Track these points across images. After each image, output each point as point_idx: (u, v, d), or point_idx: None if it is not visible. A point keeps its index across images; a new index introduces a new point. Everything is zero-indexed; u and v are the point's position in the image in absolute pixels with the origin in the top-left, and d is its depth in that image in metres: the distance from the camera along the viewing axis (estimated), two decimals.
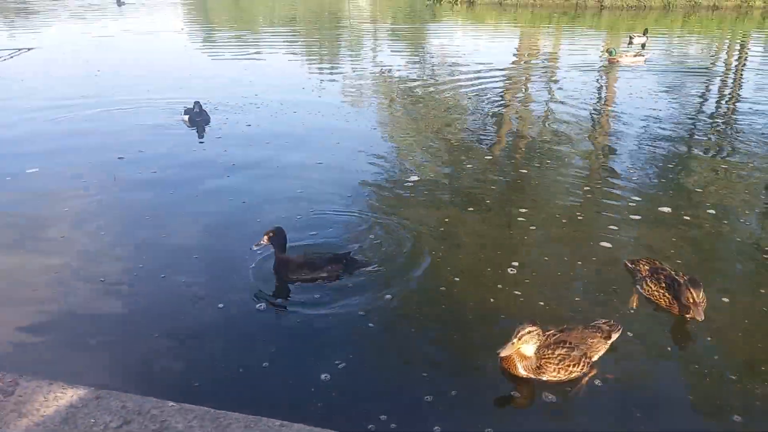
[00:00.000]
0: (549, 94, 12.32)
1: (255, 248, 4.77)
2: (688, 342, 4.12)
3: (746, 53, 18.39)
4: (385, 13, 38.17)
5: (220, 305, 4.43)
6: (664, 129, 9.29)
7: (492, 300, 4.49)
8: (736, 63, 16.86)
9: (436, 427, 3.23)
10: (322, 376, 3.65)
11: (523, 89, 13.04)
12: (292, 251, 4.89)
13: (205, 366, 3.79)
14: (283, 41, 21.01)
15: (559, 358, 3.67)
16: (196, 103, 9.50)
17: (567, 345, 3.72)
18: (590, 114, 10.47)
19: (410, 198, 6.58)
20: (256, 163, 7.75)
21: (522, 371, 3.66)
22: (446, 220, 5.95)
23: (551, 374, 3.65)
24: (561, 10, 33.15)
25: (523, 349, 3.63)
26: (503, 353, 3.62)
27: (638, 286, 4.52)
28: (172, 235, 5.65)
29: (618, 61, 15.28)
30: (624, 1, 31.85)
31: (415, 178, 7.18)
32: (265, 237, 4.72)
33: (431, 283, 4.76)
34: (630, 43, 19.22)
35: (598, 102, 11.57)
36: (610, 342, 3.85)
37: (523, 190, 6.90)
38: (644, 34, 19.38)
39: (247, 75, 14.14)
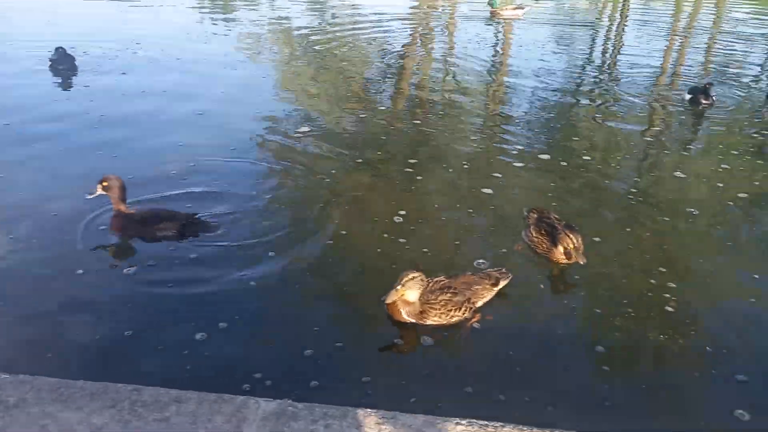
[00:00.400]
0: (447, 45, 12.32)
1: (89, 197, 4.40)
2: (562, 283, 4.29)
3: (628, 6, 19.39)
4: None
5: (80, 271, 4.01)
6: (553, 81, 9.57)
7: (378, 250, 4.42)
8: (619, 17, 17.81)
9: (314, 382, 3.14)
10: (198, 336, 3.43)
11: (422, 40, 12.94)
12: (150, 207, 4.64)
13: (57, 337, 3.40)
14: None
15: (441, 303, 3.69)
16: (58, 49, 8.48)
17: (451, 290, 3.74)
18: (486, 66, 10.57)
19: (299, 148, 6.32)
20: (128, 115, 7.08)
21: (405, 316, 3.65)
22: (333, 171, 5.78)
23: (433, 318, 3.67)
24: None
25: (407, 295, 3.61)
26: (387, 299, 3.58)
27: (523, 233, 4.62)
28: (24, 194, 5.02)
29: (499, 13, 15.42)
30: None
31: (306, 128, 6.91)
32: (99, 186, 4.36)
33: (316, 236, 4.60)
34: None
35: (494, 54, 11.71)
36: (496, 289, 3.90)
37: (415, 140, 6.85)
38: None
39: (126, 19, 12.87)
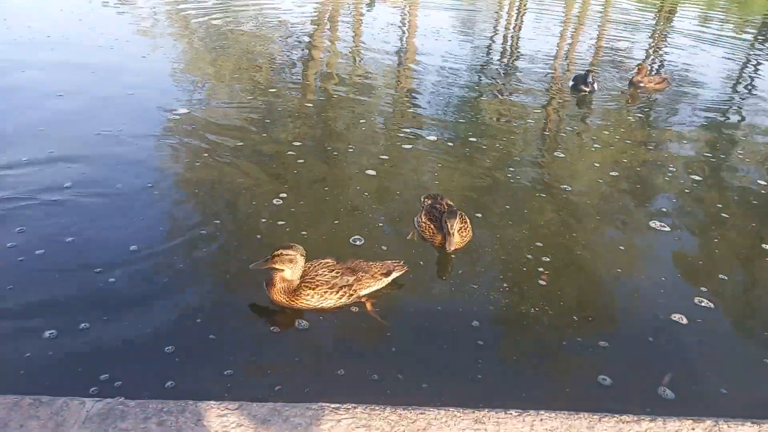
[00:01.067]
0: (354, 32, 12.10)
1: None
2: (445, 263, 4.25)
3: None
4: None
5: None
6: (458, 69, 9.61)
7: (258, 236, 4.21)
8: (518, 4, 18.38)
9: (170, 383, 2.88)
10: (47, 334, 3.09)
11: (329, 27, 12.66)
12: None
13: None
14: None
15: (317, 283, 3.55)
16: None
17: (332, 273, 3.61)
18: (394, 53, 10.47)
19: (184, 129, 5.96)
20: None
21: (278, 295, 3.51)
22: (217, 156, 5.47)
23: (305, 299, 3.52)
24: None
25: (285, 272, 3.48)
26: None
27: (415, 219, 4.54)
28: None
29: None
30: None
31: (184, 111, 6.51)
32: None
33: (190, 222, 4.32)
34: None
35: (400, 41, 11.62)
36: (387, 279, 3.77)
37: (307, 125, 6.62)
38: None
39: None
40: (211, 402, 2.33)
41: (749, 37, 15.59)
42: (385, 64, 9.60)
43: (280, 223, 4.37)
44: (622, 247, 4.50)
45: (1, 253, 3.80)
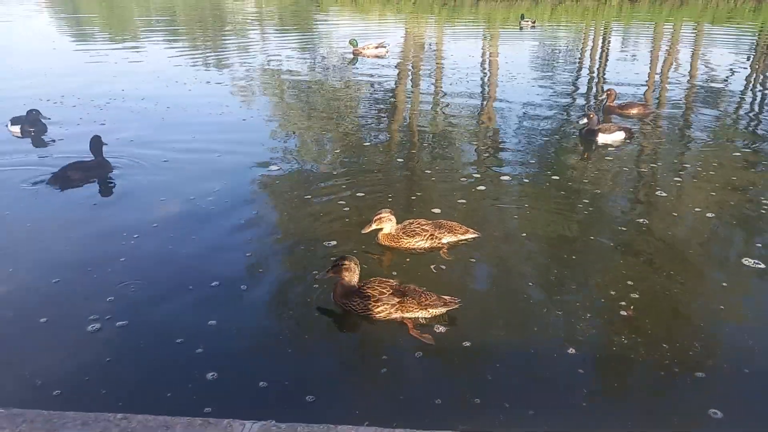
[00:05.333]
0: (435, 85, 12.61)
1: None
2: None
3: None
4: (270, 5, 37.39)
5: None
6: (539, 116, 9.88)
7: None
8: (600, 53, 18.36)
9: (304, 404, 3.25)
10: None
11: (412, 80, 13.34)
12: None
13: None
14: (163, 38, 19.96)
15: (366, 295, 4.02)
16: (31, 111, 8.23)
17: (384, 289, 4.03)
18: (476, 96, 10.89)
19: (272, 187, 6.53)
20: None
21: (337, 298, 4.14)
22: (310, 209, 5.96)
23: (353, 303, 4.07)
24: (441, 1, 34.27)
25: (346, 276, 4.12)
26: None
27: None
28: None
29: (361, 52, 15.25)
30: None
31: (278, 168, 7.12)
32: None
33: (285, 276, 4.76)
34: (520, 26, 20.69)
35: (482, 91, 12.01)
36: (433, 311, 4.00)
37: (392, 179, 7.04)
38: (528, 20, 20.95)
39: (117, 73, 13.28)
40: (355, 426, 2.63)
41: None
42: (467, 110, 9.99)
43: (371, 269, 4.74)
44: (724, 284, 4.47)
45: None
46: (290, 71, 13.77)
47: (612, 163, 7.27)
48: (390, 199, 6.13)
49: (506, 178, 6.76)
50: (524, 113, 9.71)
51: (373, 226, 4.92)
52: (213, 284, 4.40)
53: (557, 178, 6.73)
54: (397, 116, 9.89)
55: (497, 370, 3.56)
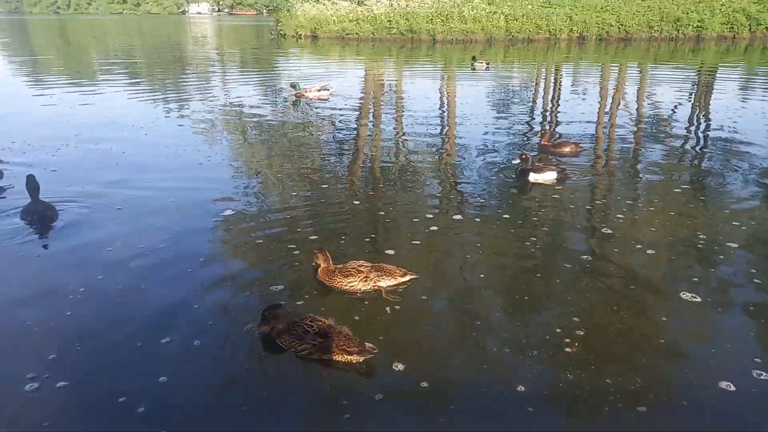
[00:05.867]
0: (396, 124, 12.87)
1: None
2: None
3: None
4: (231, 45, 37.79)
5: None
6: (495, 153, 10.20)
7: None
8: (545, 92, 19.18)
9: None
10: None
11: (373, 119, 13.61)
12: None
13: None
14: (121, 80, 19.87)
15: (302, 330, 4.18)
16: None
17: (316, 330, 4.13)
18: (434, 142, 11.16)
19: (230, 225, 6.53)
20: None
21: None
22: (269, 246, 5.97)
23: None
24: (399, 44, 35.30)
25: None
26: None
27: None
28: None
29: (303, 95, 15.32)
30: (453, 36, 34.78)
31: (236, 206, 7.13)
32: None
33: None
34: (473, 67, 21.36)
35: (441, 130, 12.32)
36: (341, 357, 4.07)
37: (352, 216, 7.13)
38: (483, 62, 21.67)
39: (72, 116, 13.12)
40: None
41: None
42: (426, 148, 10.23)
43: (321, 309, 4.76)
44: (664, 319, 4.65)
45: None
46: (250, 112, 13.89)
47: (557, 202, 7.50)
48: (343, 241, 6.19)
49: (459, 217, 6.92)
50: (481, 151, 10.00)
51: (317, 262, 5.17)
52: (163, 340, 4.31)
53: (507, 216, 6.92)
54: (358, 155, 10.05)
55: (452, 411, 3.60)
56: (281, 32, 43.89)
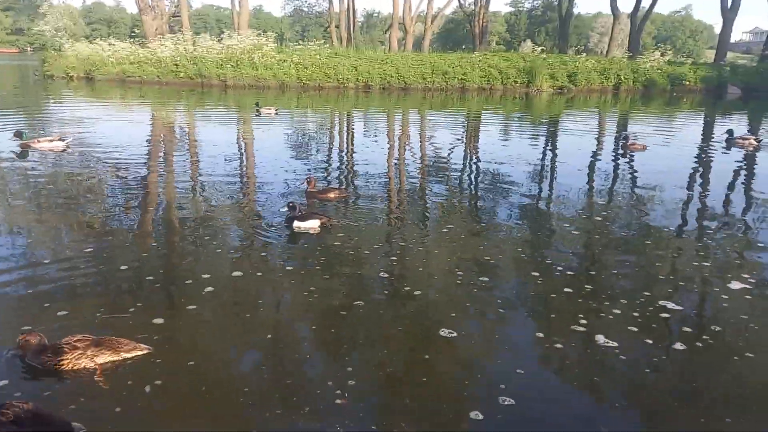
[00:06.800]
0: (191, 169, 12.20)
1: None
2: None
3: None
4: None
5: None
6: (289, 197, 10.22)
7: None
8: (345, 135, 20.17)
9: None
10: None
11: (164, 165, 12.68)
12: None
13: None
14: None
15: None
16: None
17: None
18: (234, 176, 10.79)
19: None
20: None
21: None
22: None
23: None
24: (188, 87, 34.05)
25: None
26: None
27: None
28: None
29: (30, 145, 13.62)
30: (245, 81, 34.76)
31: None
32: None
33: None
34: (258, 113, 21.13)
35: (240, 173, 11.98)
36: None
37: (140, 268, 6.53)
38: (271, 108, 21.61)
39: None
40: None
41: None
42: (224, 193, 9.87)
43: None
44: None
45: None
46: (15, 160, 11.95)
47: (333, 249, 7.34)
48: (101, 312, 5.35)
49: (238, 273, 6.36)
50: (274, 195, 9.88)
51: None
52: None
53: (291, 268, 6.61)
54: (149, 204, 9.27)
55: None
56: (47, 72, 39.12)
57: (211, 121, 20.93)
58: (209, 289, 5.94)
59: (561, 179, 12.09)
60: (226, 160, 12.97)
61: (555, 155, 15.35)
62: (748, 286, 6.24)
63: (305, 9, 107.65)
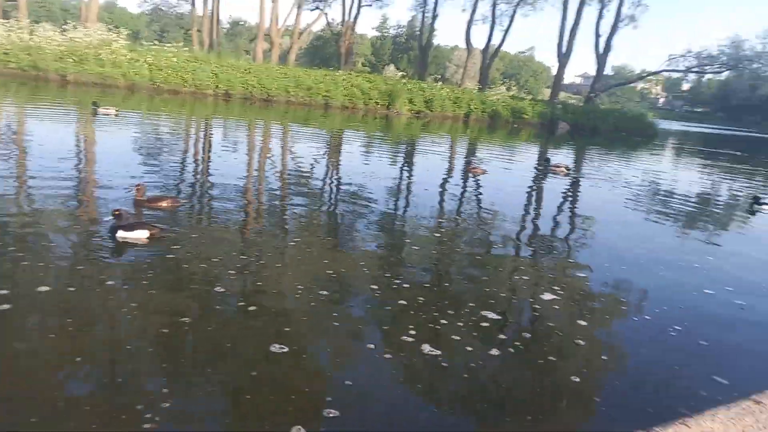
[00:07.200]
0: (16, 169, 10.81)
1: None
2: None
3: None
4: None
5: None
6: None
7: None
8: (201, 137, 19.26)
9: None
10: None
11: None
12: None
13: None
14: None
15: None
16: None
17: None
18: (67, 192, 9.72)
19: None
20: None
21: None
22: None
23: None
24: (20, 80, 30.40)
25: None
26: None
27: None
28: None
29: None
30: (89, 78, 31.91)
31: None
32: None
33: None
34: (94, 113, 19.39)
35: (78, 175, 10.85)
36: None
37: None
38: (111, 108, 19.87)
39: None
40: None
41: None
42: (57, 196, 8.92)
43: None
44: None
45: None
46: None
47: (153, 265, 7.14)
48: None
49: (44, 288, 5.63)
50: (105, 202, 9.10)
51: None
52: None
53: (112, 283, 6.32)
54: None
55: None
56: None
57: (43, 118, 18.83)
58: (5, 306, 5.16)
59: (412, 198, 12.71)
60: (59, 159, 11.76)
61: (410, 174, 16.12)
62: (557, 297, 7.01)
63: (164, 9, 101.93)
